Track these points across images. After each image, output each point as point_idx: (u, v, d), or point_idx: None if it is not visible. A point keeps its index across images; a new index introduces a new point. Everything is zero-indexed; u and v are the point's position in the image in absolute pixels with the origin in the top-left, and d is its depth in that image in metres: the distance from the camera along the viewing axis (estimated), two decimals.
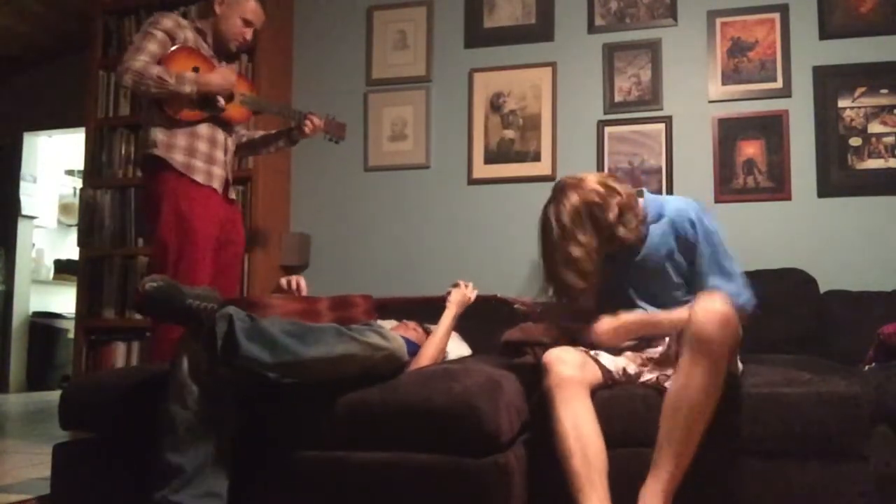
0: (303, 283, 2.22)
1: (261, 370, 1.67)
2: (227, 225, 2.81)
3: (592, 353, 1.92)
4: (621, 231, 1.96)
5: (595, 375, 1.88)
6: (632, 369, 1.96)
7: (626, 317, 1.97)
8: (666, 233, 2.03)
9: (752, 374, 1.92)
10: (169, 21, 2.68)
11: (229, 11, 2.74)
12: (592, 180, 1.99)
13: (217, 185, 2.73)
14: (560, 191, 2.00)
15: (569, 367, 1.82)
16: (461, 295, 2.42)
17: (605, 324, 1.96)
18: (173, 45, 2.66)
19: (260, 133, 3.08)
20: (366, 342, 1.82)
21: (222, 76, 2.65)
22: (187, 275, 2.52)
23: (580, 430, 1.74)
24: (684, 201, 2.08)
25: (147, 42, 2.62)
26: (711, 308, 1.70)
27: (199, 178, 2.67)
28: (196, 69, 2.64)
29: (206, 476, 1.70)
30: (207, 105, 2.67)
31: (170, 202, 2.62)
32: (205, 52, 2.72)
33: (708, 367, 1.67)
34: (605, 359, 1.93)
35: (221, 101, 2.66)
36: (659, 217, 2.05)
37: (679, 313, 1.88)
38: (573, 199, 1.95)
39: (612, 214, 1.95)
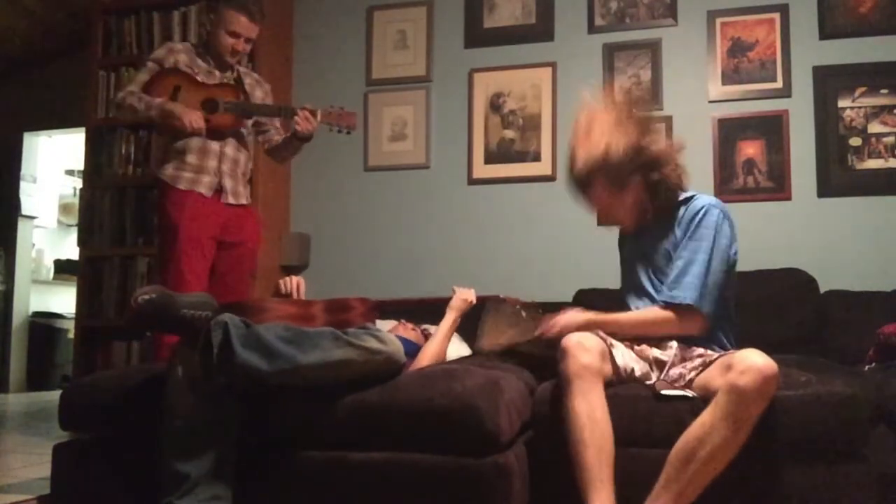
0: (301, 284, 2.21)
1: (258, 378, 1.66)
2: (228, 227, 2.84)
3: (609, 342, 1.90)
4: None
5: (609, 369, 1.86)
6: (638, 371, 1.95)
7: (585, 315, 1.99)
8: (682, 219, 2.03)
9: None
10: (161, 50, 2.87)
11: (215, 28, 2.85)
12: None
13: (204, 189, 2.78)
14: None
15: (589, 354, 1.78)
16: (461, 301, 2.42)
17: (566, 317, 1.99)
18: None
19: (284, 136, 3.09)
20: (363, 347, 1.81)
21: (182, 108, 2.72)
22: (175, 279, 2.64)
23: (595, 423, 1.72)
24: (712, 198, 2.06)
25: (139, 74, 2.84)
26: (755, 366, 1.63)
27: (182, 186, 2.76)
28: (178, 87, 2.77)
29: (211, 480, 1.70)
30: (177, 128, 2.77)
31: (161, 213, 2.80)
32: (196, 70, 2.83)
33: (737, 424, 1.62)
34: (617, 354, 1.91)
35: (188, 125, 2.69)
36: (687, 202, 2.04)
37: (639, 315, 1.98)
38: None
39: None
